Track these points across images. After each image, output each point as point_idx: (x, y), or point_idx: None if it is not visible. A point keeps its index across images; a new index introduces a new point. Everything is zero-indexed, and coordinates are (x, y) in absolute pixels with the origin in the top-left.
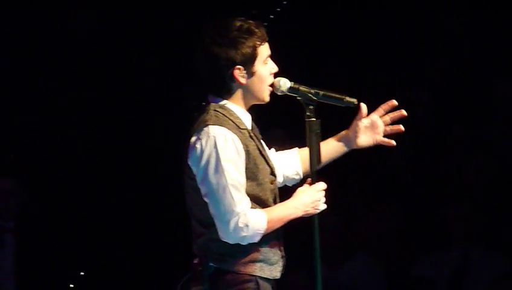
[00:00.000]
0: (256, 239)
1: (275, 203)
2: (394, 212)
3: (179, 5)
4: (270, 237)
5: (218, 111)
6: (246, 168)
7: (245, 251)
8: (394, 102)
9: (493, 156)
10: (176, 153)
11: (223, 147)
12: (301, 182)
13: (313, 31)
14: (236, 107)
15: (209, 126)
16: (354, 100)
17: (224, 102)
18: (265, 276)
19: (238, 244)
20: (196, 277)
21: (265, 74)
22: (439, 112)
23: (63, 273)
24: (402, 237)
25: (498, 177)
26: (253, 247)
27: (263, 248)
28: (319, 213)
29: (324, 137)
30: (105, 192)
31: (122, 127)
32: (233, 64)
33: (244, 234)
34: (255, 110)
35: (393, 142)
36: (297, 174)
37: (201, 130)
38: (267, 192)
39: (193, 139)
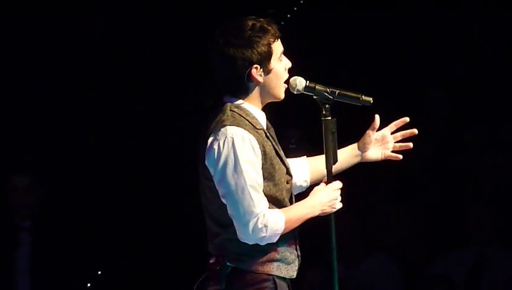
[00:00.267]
0: (275, 239)
1: (291, 203)
2: (411, 211)
3: (196, 5)
4: (287, 237)
5: (234, 111)
6: (263, 169)
7: (263, 250)
8: (407, 119)
9: (511, 155)
10: (191, 153)
11: (241, 147)
12: (307, 191)
13: (330, 30)
14: (252, 106)
15: (227, 127)
16: (370, 99)
17: (240, 102)
18: (282, 275)
19: (256, 244)
20: (213, 276)
21: (281, 71)
22: (458, 111)
23: (80, 273)
24: (419, 236)
25: None
26: (271, 246)
27: (280, 247)
28: (335, 212)
29: (339, 136)
30: (123, 192)
31: (140, 127)
32: (250, 63)
33: (263, 234)
34: (270, 110)
35: (400, 157)
36: (306, 181)
37: (219, 130)
38: (283, 192)
39: (210, 139)
